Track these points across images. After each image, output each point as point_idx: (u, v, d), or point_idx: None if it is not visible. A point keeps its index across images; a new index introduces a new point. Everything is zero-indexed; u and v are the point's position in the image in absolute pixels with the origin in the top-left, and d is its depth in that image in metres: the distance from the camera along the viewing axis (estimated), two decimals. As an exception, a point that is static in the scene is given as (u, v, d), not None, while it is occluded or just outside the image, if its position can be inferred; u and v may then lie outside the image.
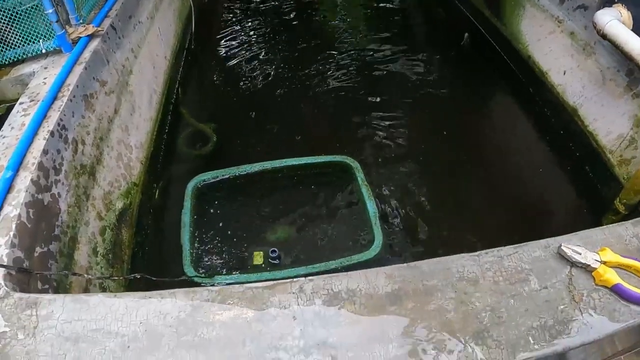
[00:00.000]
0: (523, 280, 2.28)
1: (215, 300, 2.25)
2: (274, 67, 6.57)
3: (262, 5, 8.25)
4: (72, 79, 3.71)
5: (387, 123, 5.50)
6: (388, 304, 2.18)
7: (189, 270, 3.97)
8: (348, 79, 6.29)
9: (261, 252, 4.13)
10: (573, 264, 2.32)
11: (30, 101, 3.59)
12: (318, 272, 3.89)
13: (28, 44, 4.02)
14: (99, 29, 4.15)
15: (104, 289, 3.59)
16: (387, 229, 4.35)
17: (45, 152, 3.22)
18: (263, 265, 4.09)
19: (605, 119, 4.51)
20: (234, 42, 7.21)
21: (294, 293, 2.24)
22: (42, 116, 3.37)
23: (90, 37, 4.11)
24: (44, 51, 4.03)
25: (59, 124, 3.41)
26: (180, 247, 4.15)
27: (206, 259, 4.19)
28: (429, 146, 5.20)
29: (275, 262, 4.08)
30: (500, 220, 4.49)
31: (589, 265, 2.26)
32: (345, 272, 2.32)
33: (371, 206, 4.25)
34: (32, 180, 3.04)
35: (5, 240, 2.72)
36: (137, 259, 4.14)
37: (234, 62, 6.75)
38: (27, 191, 2.97)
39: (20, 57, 4.08)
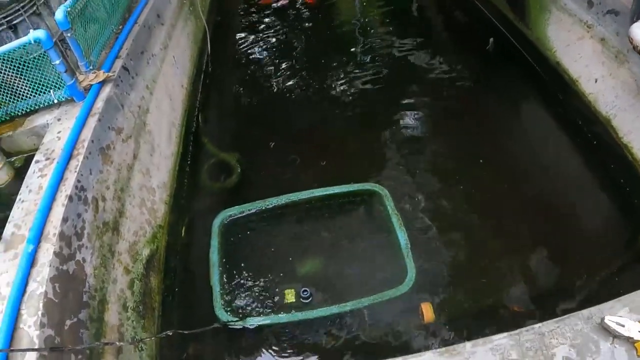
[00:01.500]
0: (564, 358, 2.19)
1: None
2: (294, 81, 6.39)
3: (278, 16, 7.98)
4: (87, 133, 3.61)
5: (412, 137, 5.30)
6: (427, 398, 2.07)
7: (221, 313, 3.91)
8: (369, 89, 6.10)
9: (293, 290, 4.04)
10: (616, 336, 2.24)
11: (46, 159, 3.51)
12: (350, 310, 3.80)
13: (39, 94, 3.94)
14: (110, 74, 4.03)
15: (137, 346, 3.53)
16: (419, 254, 4.16)
17: (65, 219, 3.14)
18: (295, 302, 3.99)
19: (641, 131, 4.26)
20: (252, 57, 7.03)
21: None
22: (58, 179, 3.29)
23: (102, 83, 3.99)
24: (55, 101, 3.93)
25: (76, 186, 3.33)
26: (211, 287, 4.09)
27: (238, 299, 4.11)
28: (455, 158, 5.00)
29: (306, 301, 3.98)
30: (531, 232, 4.31)
31: (632, 337, 2.20)
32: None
33: (402, 237, 4.12)
34: (54, 252, 2.98)
35: (34, 321, 2.67)
36: (168, 303, 4.08)
37: (253, 78, 6.59)
38: (50, 265, 2.91)
39: (32, 108, 4.00)
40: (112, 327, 3.36)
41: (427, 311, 3.80)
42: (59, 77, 3.86)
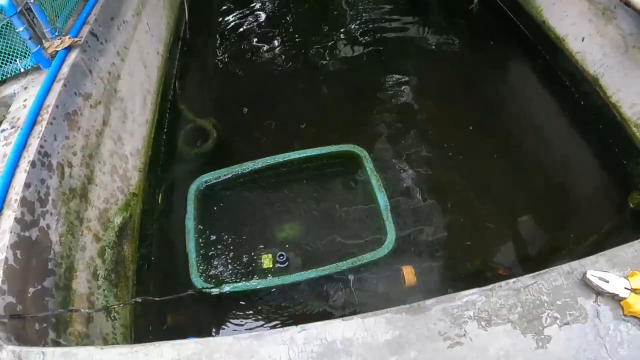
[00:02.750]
0: (541, 316, 2.04)
1: (202, 354, 2.09)
2: (276, 48, 6.26)
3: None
4: (51, 99, 3.51)
5: (397, 102, 5.18)
6: (388, 354, 1.99)
7: (196, 281, 3.86)
8: (354, 56, 5.95)
9: (270, 255, 3.99)
10: (599, 293, 2.07)
11: (11, 128, 3.42)
12: (328, 275, 3.74)
13: (5, 64, 3.81)
14: (77, 39, 3.91)
15: (109, 314, 3.48)
16: (401, 218, 4.10)
17: (27, 185, 3.06)
18: (272, 268, 3.94)
19: (630, 89, 4.15)
20: (233, 25, 6.82)
21: (284, 344, 2.06)
22: (21, 146, 3.20)
23: (69, 49, 3.88)
24: (22, 70, 3.83)
25: (39, 152, 3.24)
26: (187, 254, 4.04)
27: (214, 265, 4.07)
28: (441, 122, 4.90)
29: (283, 265, 3.93)
30: (519, 195, 4.26)
31: (617, 294, 2.02)
32: (341, 319, 2.12)
33: (382, 198, 4.04)
34: (15, 218, 2.90)
35: (-9, 288, 2.61)
36: (143, 272, 4.04)
37: (233, 46, 6.42)
38: (11, 232, 2.83)
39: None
40: (81, 295, 3.30)
41: (409, 274, 3.76)
42: (24, 45, 3.74)
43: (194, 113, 5.20)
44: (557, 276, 2.18)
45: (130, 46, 4.79)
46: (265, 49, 6.25)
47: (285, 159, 4.40)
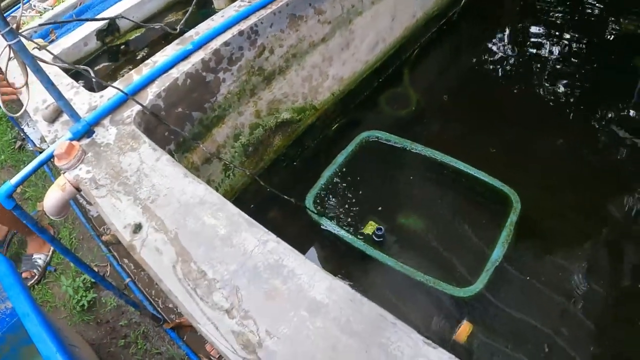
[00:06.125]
0: None
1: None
2: (541, 81, 5.43)
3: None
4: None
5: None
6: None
7: (308, 198, 4.42)
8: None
9: (376, 225, 4.20)
10: None
11: (248, 2, 4.23)
12: (402, 273, 3.80)
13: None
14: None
15: (226, 170, 4.27)
16: (502, 282, 3.72)
17: (226, 44, 3.87)
18: (369, 236, 4.18)
19: None
20: (510, 35, 6.19)
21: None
22: (242, 17, 4.01)
23: (327, -34, 4.47)
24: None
25: (251, 28, 4.01)
26: (317, 177, 4.59)
27: (329, 198, 4.51)
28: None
29: (378, 239, 4.14)
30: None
31: None
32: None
33: (498, 252, 3.77)
34: (202, 59, 3.75)
35: (155, 91, 3.51)
36: (278, 164, 4.70)
37: (494, 54, 5.93)
38: (193, 65, 3.70)
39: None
40: (215, 142, 4.07)
41: (464, 331, 3.53)
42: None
43: (409, 81, 5.47)
44: None
45: (387, -5, 5.12)
46: (524, 74, 5.56)
47: (449, 162, 4.44)
